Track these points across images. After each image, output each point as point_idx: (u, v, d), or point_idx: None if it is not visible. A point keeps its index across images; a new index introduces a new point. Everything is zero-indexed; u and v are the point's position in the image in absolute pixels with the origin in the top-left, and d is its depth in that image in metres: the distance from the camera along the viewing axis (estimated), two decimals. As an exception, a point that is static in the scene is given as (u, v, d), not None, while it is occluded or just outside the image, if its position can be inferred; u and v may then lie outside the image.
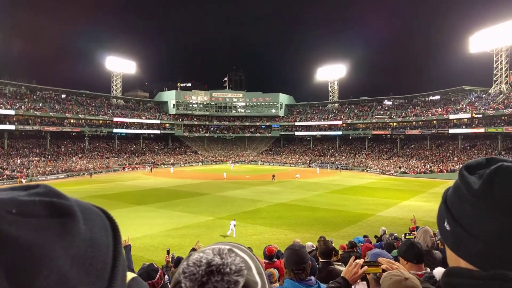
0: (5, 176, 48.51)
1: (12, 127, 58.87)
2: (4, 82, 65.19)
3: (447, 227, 0.75)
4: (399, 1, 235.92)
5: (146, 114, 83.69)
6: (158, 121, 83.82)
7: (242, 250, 0.68)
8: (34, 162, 56.47)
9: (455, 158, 59.49)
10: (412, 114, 70.93)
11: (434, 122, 67.20)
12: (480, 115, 58.87)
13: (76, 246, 0.46)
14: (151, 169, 63.56)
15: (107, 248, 0.52)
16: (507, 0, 69.18)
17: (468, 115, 60.67)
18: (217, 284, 0.58)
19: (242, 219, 24.19)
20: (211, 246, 0.65)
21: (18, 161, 54.96)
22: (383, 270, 2.10)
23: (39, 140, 65.32)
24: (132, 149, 77.17)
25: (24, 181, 48.08)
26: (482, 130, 58.51)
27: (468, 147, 62.66)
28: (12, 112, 58.58)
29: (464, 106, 63.67)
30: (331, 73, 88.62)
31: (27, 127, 61.21)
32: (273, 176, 49.69)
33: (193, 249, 7.28)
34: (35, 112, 62.35)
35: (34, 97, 67.58)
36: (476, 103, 62.76)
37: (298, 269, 2.64)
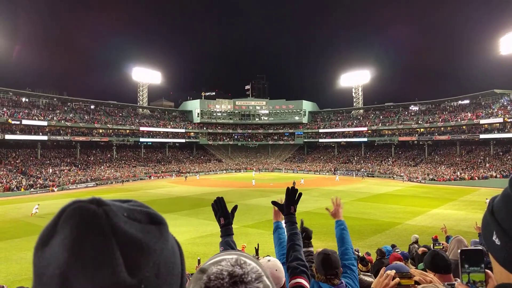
0: (38, 184, 50.40)
1: (45, 138, 61.33)
2: (38, 94, 68.19)
3: (497, 241, 0.68)
4: (424, 4, 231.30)
5: (171, 123, 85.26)
6: (183, 130, 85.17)
7: (249, 258, 0.71)
8: (65, 171, 58.50)
9: (487, 165, 57.24)
10: (440, 120, 68.94)
11: (464, 127, 65.04)
12: (513, 119, 56.53)
13: (167, 249, 0.58)
14: (185, 177, 64.82)
15: (179, 257, 0.62)
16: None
17: (500, 120, 58.36)
18: None
19: (267, 227, 24.08)
20: (221, 257, 0.68)
21: (50, 170, 57.06)
22: (416, 282, 2.01)
23: (70, 149, 67.68)
24: (157, 157, 78.65)
25: (56, 189, 49.82)
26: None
27: (501, 153, 60.16)
28: (45, 123, 61.08)
29: (496, 110, 61.35)
30: (355, 79, 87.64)
31: (59, 137, 63.59)
32: (294, 183, 49.78)
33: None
34: (66, 122, 64.73)
35: (65, 108, 70.23)
36: (509, 107, 60.34)
37: (331, 274, 2.65)
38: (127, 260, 0.50)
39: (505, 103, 62.30)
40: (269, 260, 2.27)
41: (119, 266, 0.49)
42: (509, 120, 57.23)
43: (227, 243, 2.38)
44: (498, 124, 60.29)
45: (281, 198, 2.89)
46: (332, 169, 73.84)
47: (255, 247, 9.67)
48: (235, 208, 2.69)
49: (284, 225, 3.01)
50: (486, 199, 33.35)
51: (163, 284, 0.55)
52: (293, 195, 2.66)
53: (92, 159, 67.85)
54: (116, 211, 0.53)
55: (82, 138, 66.50)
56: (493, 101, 65.23)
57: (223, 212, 2.56)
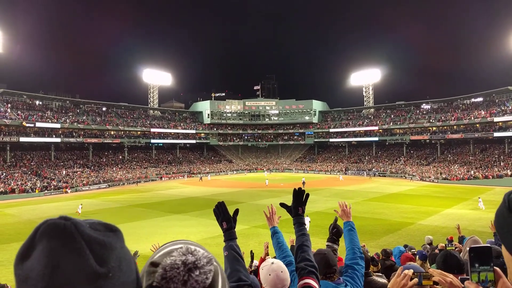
0: (53, 186, 51.20)
1: (58, 140, 62.27)
2: (51, 97, 69.33)
3: None
4: (435, 2, 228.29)
5: (182, 124, 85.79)
6: (193, 131, 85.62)
7: (196, 245, 0.81)
8: (78, 173, 59.34)
9: (501, 163, 56.25)
10: (453, 118, 67.96)
11: (477, 125, 64.02)
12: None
13: (125, 248, 0.72)
14: (200, 178, 65.02)
15: (132, 256, 0.75)
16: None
17: (515, 117, 57.27)
18: (198, 278, 0.72)
19: (279, 227, 24.05)
20: (169, 249, 0.78)
21: (64, 172, 57.93)
22: (435, 283, 1.97)
23: (82, 151, 68.61)
24: (169, 158, 79.21)
25: (69, 191, 50.56)
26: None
27: (516, 152, 59.03)
28: (58, 126, 62.05)
29: (510, 107, 60.23)
30: (366, 78, 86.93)
31: (71, 140, 64.50)
32: (303, 182, 49.85)
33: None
34: (79, 125, 65.65)
35: (78, 110, 71.22)
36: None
37: (330, 272, 2.79)
38: (95, 255, 0.63)
39: (519, 101, 61.11)
40: (272, 263, 2.28)
41: (90, 259, 0.62)
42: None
43: (231, 247, 2.39)
44: (512, 122, 59.17)
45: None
46: (343, 169, 73.40)
47: (251, 252, 9.75)
48: (236, 212, 2.67)
49: (279, 229, 3.11)
50: (479, 197, 32.69)
51: (125, 274, 0.67)
52: (300, 196, 2.68)
53: (104, 160, 68.67)
54: (81, 223, 0.66)
55: (94, 140, 67.34)
56: (507, 98, 64.02)
57: (225, 216, 2.56)
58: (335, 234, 3.84)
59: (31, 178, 52.48)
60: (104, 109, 77.01)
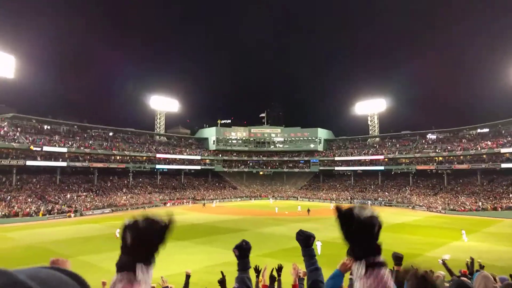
0: (56, 210, 51.05)
1: (64, 164, 62.62)
2: (59, 122, 70.36)
3: None
4: (441, 34, 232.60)
5: (187, 150, 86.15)
6: (198, 157, 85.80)
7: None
8: (82, 197, 59.26)
9: (510, 195, 55.33)
10: (459, 148, 67.65)
11: (484, 156, 63.54)
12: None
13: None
14: (204, 204, 64.91)
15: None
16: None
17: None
18: None
19: (282, 256, 23.59)
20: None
21: (68, 195, 57.90)
22: None
23: (88, 176, 68.76)
24: (173, 184, 79.03)
25: (73, 215, 50.34)
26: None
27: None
28: (65, 150, 62.58)
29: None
30: (371, 107, 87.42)
31: (77, 164, 64.83)
32: (308, 210, 51.22)
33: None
34: (85, 149, 66.17)
35: (85, 135, 72.00)
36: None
37: None
38: None
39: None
40: None
41: None
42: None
43: (243, 281, 2.36)
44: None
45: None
46: (349, 198, 72.60)
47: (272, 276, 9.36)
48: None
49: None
50: (462, 230, 31.87)
51: None
52: (306, 240, 2.66)
53: (109, 185, 68.66)
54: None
55: (100, 164, 67.61)
56: (514, 129, 63.81)
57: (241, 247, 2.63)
58: (395, 259, 3.71)
59: (36, 201, 52.44)
60: (110, 134, 77.79)
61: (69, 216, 49.88)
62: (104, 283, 8.31)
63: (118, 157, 72.51)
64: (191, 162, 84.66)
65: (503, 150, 59.61)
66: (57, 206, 52.62)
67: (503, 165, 59.42)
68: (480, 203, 54.82)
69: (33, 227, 39.84)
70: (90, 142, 69.54)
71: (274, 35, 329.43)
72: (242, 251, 2.57)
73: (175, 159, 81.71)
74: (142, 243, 1.08)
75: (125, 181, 72.06)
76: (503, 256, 22.67)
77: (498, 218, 45.92)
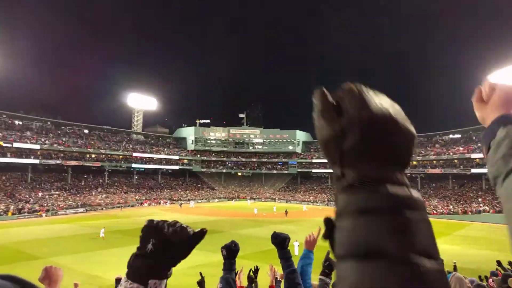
0: (27, 209, 49.34)
1: (36, 161, 60.62)
2: (31, 117, 68.10)
3: None
4: (415, 40, 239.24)
5: (165, 149, 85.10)
6: (176, 157, 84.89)
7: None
8: (55, 196, 57.51)
9: (479, 199, 57.42)
10: (432, 153, 69.70)
11: (456, 161, 65.71)
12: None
13: None
14: (180, 204, 64.24)
15: None
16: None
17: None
18: None
19: (259, 258, 23.60)
20: None
21: (40, 194, 56.08)
22: None
23: (61, 174, 66.85)
24: (150, 184, 77.87)
25: (44, 215, 48.76)
26: None
27: (493, 188, 60.32)
28: (37, 147, 60.60)
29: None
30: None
31: (50, 161, 62.92)
32: (286, 211, 52.29)
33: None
34: (59, 146, 64.30)
35: (59, 132, 69.98)
36: (499, 142, 61.32)
37: None
38: None
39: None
40: None
41: None
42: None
43: (227, 281, 2.33)
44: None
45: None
46: (326, 200, 73.48)
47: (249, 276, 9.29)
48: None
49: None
50: (453, 262, 32.79)
51: None
52: (279, 242, 2.68)
53: (83, 184, 66.96)
54: None
55: (74, 162, 65.83)
56: (484, 136, 66.27)
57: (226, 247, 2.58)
58: (327, 267, 3.77)
59: (5, 200, 50.52)
60: (86, 131, 75.92)
61: (41, 216, 48.30)
62: (76, 285, 8.06)
63: (93, 155, 70.85)
64: (168, 161, 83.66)
65: (473, 156, 61.83)
66: (28, 205, 50.86)
67: (473, 170, 61.61)
68: (451, 207, 56.61)
69: (2, 227, 38.35)
70: (64, 139, 67.63)
71: (254, 36, 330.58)
72: (230, 252, 2.55)
73: (152, 158, 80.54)
74: (165, 252, 0.94)
75: (100, 180, 70.44)
76: (473, 259, 23.45)
77: (468, 222, 47.51)
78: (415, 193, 0.56)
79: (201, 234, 1.02)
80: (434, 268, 0.48)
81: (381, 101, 0.59)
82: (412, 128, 0.60)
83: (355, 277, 0.48)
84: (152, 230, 0.96)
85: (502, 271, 8.55)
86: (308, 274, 3.11)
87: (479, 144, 63.22)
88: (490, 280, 8.19)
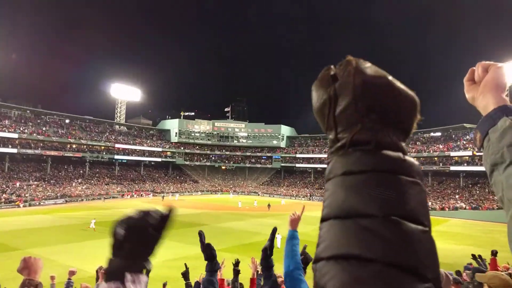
0: (3, 199, 48.13)
1: (14, 150, 59.06)
2: (10, 105, 66.16)
3: None
4: (398, 39, 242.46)
5: (148, 141, 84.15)
6: (160, 149, 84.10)
7: None
8: (33, 186, 56.25)
9: (456, 196, 59.03)
10: (414, 150, 71.11)
11: (436, 158, 67.25)
12: (482, 154, 58.97)
13: None
14: (163, 197, 63.52)
15: None
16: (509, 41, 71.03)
17: (469, 153, 60.82)
18: None
19: (241, 251, 23.73)
20: None
21: (18, 184, 54.75)
22: None
23: (40, 164, 65.37)
24: (132, 176, 76.98)
25: (21, 205, 47.68)
26: (483, 168, 58.46)
27: (470, 185, 62.31)
28: (15, 136, 59.01)
29: (465, 143, 63.96)
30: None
31: (29, 151, 61.38)
32: (269, 205, 52.64)
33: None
34: (38, 136, 62.76)
35: (38, 121, 68.29)
36: (477, 141, 63.09)
37: None
38: None
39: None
40: None
41: None
42: (478, 154, 59.67)
43: (211, 283, 2.37)
44: (467, 157, 62.72)
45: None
46: (308, 195, 74.19)
47: (235, 269, 9.30)
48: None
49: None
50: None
51: None
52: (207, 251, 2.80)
53: (63, 174, 65.67)
54: None
55: (54, 152, 64.42)
56: (463, 134, 68.06)
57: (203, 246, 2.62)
58: (302, 260, 3.80)
59: (-20, 190, 49.15)
60: (67, 121, 74.29)
61: (18, 206, 47.22)
62: (53, 278, 7.95)
63: (74, 146, 69.49)
64: (151, 153, 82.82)
65: (452, 154, 63.43)
66: (4, 195, 49.62)
67: (452, 168, 63.25)
68: (430, 203, 58.00)
69: (-23, 217, 37.32)
70: (44, 129, 66.05)
71: (240, 30, 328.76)
72: (208, 250, 2.65)
73: (135, 150, 79.54)
74: (135, 242, 0.92)
75: (81, 171, 69.22)
76: (450, 254, 24.11)
77: (445, 218, 48.78)
78: (411, 159, 0.55)
79: (170, 214, 0.99)
80: (418, 231, 0.47)
81: (379, 69, 0.58)
82: (413, 94, 0.58)
83: (333, 236, 0.47)
84: (120, 223, 0.95)
85: (476, 265, 8.87)
86: (298, 255, 3.13)
87: (458, 143, 64.91)
88: (464, 274, 8.48)
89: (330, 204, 0.51)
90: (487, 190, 57.94)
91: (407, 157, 0.54)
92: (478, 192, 58.34)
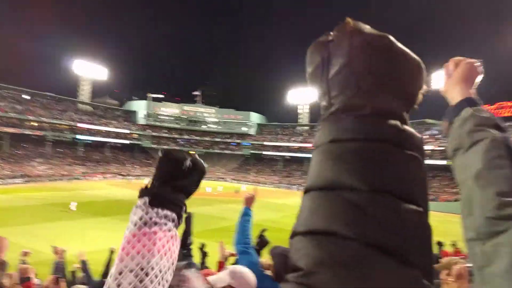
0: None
1: (-33, 126, 55.59)
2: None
3: None
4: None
5: (114, 122, 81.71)
6: (126, 131, 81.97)
7: None
8: (-11, 164, 53.38)
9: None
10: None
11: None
12: (442, 148, 61.91)
13: None
14: (130, 180, 62.13)
15: None
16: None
17: (431, 147, 63.65)
18: None
19: (208, 237, 23.72)
20: None
21: (-29, 162, 51.78)
22: None
23: (-4, 141, 61.98)
24: (96, 157, 74.69)
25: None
26: (443, 162, 61.41)
27: (430, 178, 65.30)
28: (-31, 110, 55.49)
29: (427, 138, 66.76)
30: (302, 96, 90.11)
31: (-16, 127, 57.97)
32: (236, 191, 52.94)
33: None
34: (-5, 111, 59.32)
35: (-5, 95, 64.43)
36: (437, 136, 66.05)
37: None
38: None
39: (434, 132, 68.15)
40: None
41: None
42: (438, 148, 62.62)
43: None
44: (429, 151, 65.56)
45: None
46: (276, 182, 75.12)
47: (202, 250, 9.26)
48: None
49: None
50: None
51: None
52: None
53: (21, 153, 62.63)
54: None
55: (12, 129, 61.16)
56: (424, 129, 70.94)
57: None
58: (258, 244, 3.84)
59: None
60: (26, 97, 70.54)
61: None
62: (26, 253, 7.62)
63: (34, 123, 66.26)
64: (117, 135, 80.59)
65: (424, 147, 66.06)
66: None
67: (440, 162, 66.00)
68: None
69: None
70: (1, 104, 62.40)
71: (211, 13, 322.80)
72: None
73: (100, 130, 77.05)
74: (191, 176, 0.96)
75: (42, 150, 66.29)
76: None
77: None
78: (411, 130, 0.49)
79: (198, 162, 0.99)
80: (410, 211, 0.42)
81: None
82: (419, 59, 0.51)
83: (313, 209, 0.44)
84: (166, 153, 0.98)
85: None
86: (247, 230, 3.34)
87: (428, 136, 67.51)
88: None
89: (313, 174, 0.47)
90: (446, 183, 61.06)
91: (406, 127, 0.48)
92: (437, 184, 61.30)
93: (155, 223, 0.83)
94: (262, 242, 3.91)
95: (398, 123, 0.48)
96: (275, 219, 34.27)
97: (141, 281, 0.73)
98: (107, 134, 78.47)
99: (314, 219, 0.42)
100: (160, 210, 0.85)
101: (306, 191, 0.46)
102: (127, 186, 55.30)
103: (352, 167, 0.43)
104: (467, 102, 1.00)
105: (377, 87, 0.48)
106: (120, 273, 0.74)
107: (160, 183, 0.91)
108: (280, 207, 43.34)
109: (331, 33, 0.52)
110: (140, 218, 0.84)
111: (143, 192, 0.89)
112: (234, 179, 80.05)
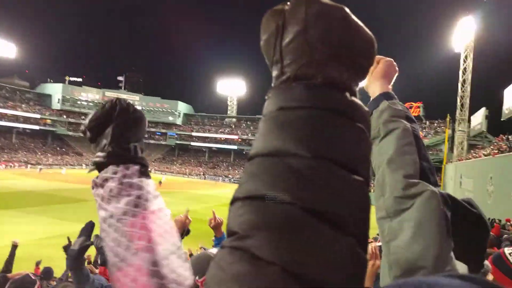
0: None
1: None
2: None
3: None
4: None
5: (23, 105, 73.96)
6: (38, 116, 74.73)
7: None
8: None
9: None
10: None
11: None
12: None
13: None
14: (40, 169, 56.10)
15: None
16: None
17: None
18: None
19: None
20: None
21: None
22: None
23: None
24: (1, 143, 67.05)
25: None
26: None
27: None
28: None
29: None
30: (231, 87, 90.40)
31: None
32: (160, 182, 50.20)
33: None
34: None
35: None
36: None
37: None
38: None
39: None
40: None
41: None
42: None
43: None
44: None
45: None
46: (201, 173, 74.67)
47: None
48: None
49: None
50: None
51: None
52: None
53: None
54: None
55: None
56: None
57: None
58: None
59: None
60: None
61: None
62: (15, 243, 6.72)
63: None
64: (27, 120, 73.07)
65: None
66: None
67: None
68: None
69: None
70: None
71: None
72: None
73: (6, 114, 69.18)
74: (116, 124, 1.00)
75: None
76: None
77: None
78: (359, 102, 0.47)
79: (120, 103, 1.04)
80: (351, 179, 0.41)
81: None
82: (371, 33, 0.51)
83: (254, 174, 0.43)
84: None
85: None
86: None
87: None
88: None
89: (259, 142, 0.46)
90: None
91: (354, 99, 0.47)
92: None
93: (150, 195, 0.87)
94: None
95: (347, 94, 0.46)
96: (197, 210, 34.21)
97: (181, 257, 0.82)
98: (15, 118, 70.74)
99: (254, 184, 0.41)
100: (134, 167, 0.88)
101: (251, 158, 0.45)
102: (37, 176, 50.62)
103: (297, 134, 0.42)
104: (384, 96, 1.14)
105: (330, 57, 0.47)
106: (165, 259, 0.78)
107: (110, 145, 0.92)
108: (203, 198, 43.28)
109: (288, 2, 0.49)
110: (138, 197, 0.82)
111: (107, 162, 0.91)
112: (157, 170, 77.76)
